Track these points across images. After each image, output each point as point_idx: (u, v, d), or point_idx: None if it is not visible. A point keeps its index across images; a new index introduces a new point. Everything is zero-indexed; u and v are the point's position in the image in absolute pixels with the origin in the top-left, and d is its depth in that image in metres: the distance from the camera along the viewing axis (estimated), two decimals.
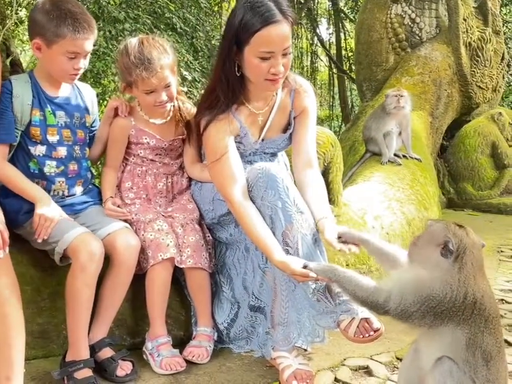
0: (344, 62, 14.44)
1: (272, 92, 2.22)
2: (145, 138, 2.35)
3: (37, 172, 2.20)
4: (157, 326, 2.21)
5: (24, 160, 2.19)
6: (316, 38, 15.35)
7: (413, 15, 5.77)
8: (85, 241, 2.01)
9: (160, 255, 2.16)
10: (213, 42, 9.19)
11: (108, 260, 2.13)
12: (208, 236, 2.36)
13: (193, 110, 2.43)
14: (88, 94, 2.35)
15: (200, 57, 8.75)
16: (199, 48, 8.65)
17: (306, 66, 15.50)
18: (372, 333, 2.03)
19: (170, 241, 2.20)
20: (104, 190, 2.32)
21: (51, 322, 2.15)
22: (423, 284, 1.54)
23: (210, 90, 2.19)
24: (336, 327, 2.12)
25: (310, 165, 2.28)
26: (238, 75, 2.10)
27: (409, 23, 5.80)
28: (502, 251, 4.01)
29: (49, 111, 2.18)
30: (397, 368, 2.24)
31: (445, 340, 1.49)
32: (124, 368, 2.09)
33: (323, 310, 2.10)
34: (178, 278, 2.33)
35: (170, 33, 7.39)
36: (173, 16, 7.57)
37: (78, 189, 2.29)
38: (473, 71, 5.73)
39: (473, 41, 5.67)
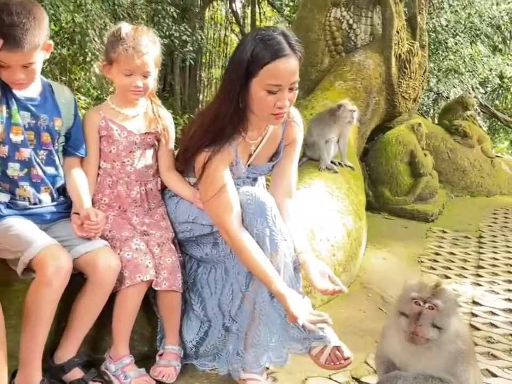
0: None
1: (275, 125, 2.23)
2: (116, 130, 2.28)
3: None
4: (120, 347, 2.18)
5: None
6: (230, 11, 15.14)
7: (351, 21, 5.91)
8: (53, 253, 1.92)
9: (139, 276, 2.10)
10: (136, 11, 8.83)
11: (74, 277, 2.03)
12: (180, 256, 2.33)
13: (168, 115, 2.44)
14: (63, 97, 2.20)
15: None
16: (121, 16, 8.29)
17: (218, 37, 15.28)
18: (342, 361, 2.15)
19: (149, 262, 2.14)
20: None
21: (19, 341, 2.02)
22: None
23: (214, 123, 2.13)
24: (306, 352, 2.21)
25: (290, 195, 2.35)
26: (241, 106, 2.09)
27: (346, 28, 5.93)
28: (422, 261, 4.29)
29: (15, 109, 2.04)
30: None
31: None
32: None
33: (296, 336, 2.18)
34: (147, 294, 2.28)
35: None
36: None
37: (45, 197, 2.15)
38: (400, 81, 6.01)
39: (403, 53, 5.93)
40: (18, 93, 2.05)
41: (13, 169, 2.06)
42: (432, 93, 11.09)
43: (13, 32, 1.85)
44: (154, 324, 2.36)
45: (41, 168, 2.11)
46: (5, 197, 2.05)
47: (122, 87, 2.26)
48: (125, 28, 2.21)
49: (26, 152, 2.07)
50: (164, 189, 2.43)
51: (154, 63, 2.25)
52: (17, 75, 1.95)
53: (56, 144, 2.16)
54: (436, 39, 9.89)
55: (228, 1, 14.59)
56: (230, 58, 2.18)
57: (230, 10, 14.94)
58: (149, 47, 2.21)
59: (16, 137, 2.04)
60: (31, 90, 2.09)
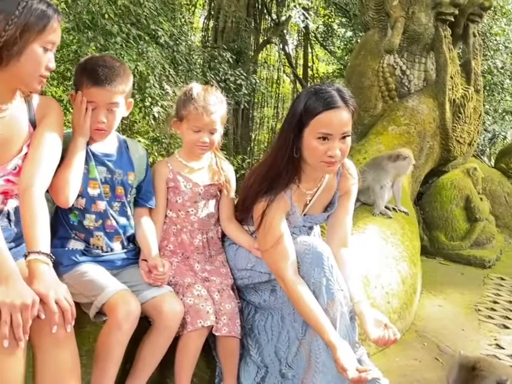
0: (308, 82, 14.77)
1: (328, 174, 2.32)
2: (182, 182, 2.43)
3: (76, 224, 2.23)
4: None
5: (65, 212, 2.22)
6: (282, 53, 15.55)
7: (404, 67, 6.01)
8: (124, 299, 2.04)
9: (200, 322, 2.19)
10: (194, 57, 9.21)
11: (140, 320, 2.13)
12: (239, 302, 2.41)
13: (230, 167, 2.57)
14: (137, 152, 2.37)
15: (180, 71, 8.77)
16: (179, 62, 8.67)
17: (271, 77, 15.72)
18: None
19: (210, 308, 2.24)
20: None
21: (88, 380, 2.14)
22: None
23: (270, 171, 2.25)
24: None
25: (345, 244, 2.42)
26: (296, 156, 2.20)
27: (400, 74, 6.03)
28: (479, 310, 4.19)
29: (92, 165, 2.21)
30: None
31: None
32: None
33: None
34: (207, 339, 2.37)
35: (154, 45, 7.35)
36: (158, 29, 7.52)
37: (116, 246, 2.30)
38: (455, 126, 6.01)
39: (457, 98, 5.95)
40: (96, 149, 2.23)
41: (89, 220, 2.22)
42: (488, 133, 10.94)
43: (104, 71, 2.09)
44: (213, 367, 2.43)
45: (114, 219, 2.27)
46: (80, 245, 2.21)
47: (190, 142, 2.41)
48: (196, 88, 2.38)
49: (102, 205, 2.23)
50: (223, 236, 2.55)
51: (221, 120, 2.41)
52: (101, 117, 2.14)
53: (129, 196, 2.32)
54: (491, 81, 9.83)
55: (281, 43, 15.05)
56: (288, 110, 2.31)
57: (282, 52, 15.41)
58: (216, 106, 2.37)
59: (93, 191, 2.21)
60: (108, 147, 2.27)
